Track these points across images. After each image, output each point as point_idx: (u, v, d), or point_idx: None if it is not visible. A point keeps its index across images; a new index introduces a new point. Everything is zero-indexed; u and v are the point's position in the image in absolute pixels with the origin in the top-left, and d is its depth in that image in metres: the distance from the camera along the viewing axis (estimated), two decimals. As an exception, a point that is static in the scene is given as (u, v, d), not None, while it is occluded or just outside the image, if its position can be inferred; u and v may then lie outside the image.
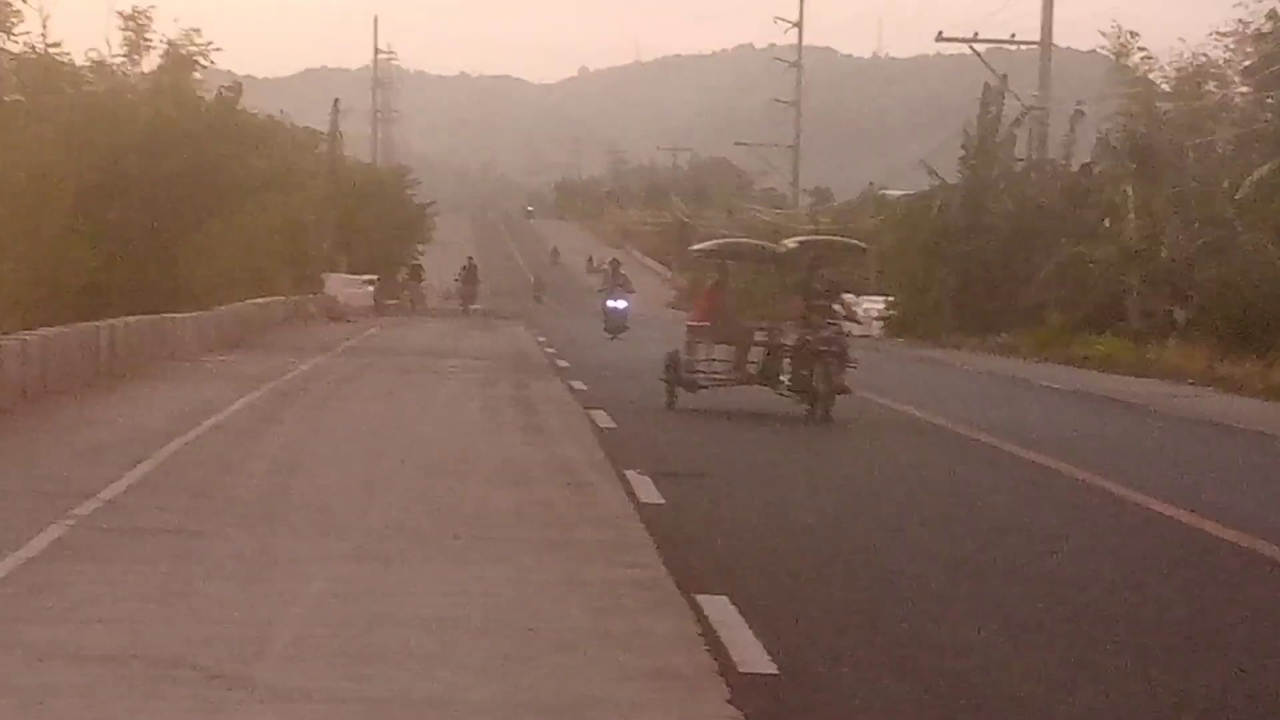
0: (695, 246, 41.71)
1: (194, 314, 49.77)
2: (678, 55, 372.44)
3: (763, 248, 39.53)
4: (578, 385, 42.44)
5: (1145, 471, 30.64)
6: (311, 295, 78.16)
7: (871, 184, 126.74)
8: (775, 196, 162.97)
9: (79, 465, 24.06)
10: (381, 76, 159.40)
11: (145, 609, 15.05)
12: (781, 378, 32.87)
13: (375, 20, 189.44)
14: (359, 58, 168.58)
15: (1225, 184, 69.57)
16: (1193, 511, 24.61)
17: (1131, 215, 70.65)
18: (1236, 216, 67.93)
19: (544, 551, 19.00)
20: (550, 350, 62.03)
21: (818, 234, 75.29)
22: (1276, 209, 67.67)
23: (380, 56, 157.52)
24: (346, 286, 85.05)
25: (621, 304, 51.29)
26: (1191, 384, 53.49)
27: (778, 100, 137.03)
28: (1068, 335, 67.41)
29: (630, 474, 25.64)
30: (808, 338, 30.74)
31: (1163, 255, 69.04)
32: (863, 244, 46.37)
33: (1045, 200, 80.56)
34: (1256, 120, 71.27)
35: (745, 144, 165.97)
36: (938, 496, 26.82)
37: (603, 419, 34.33)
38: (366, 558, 17.95)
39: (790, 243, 35.63)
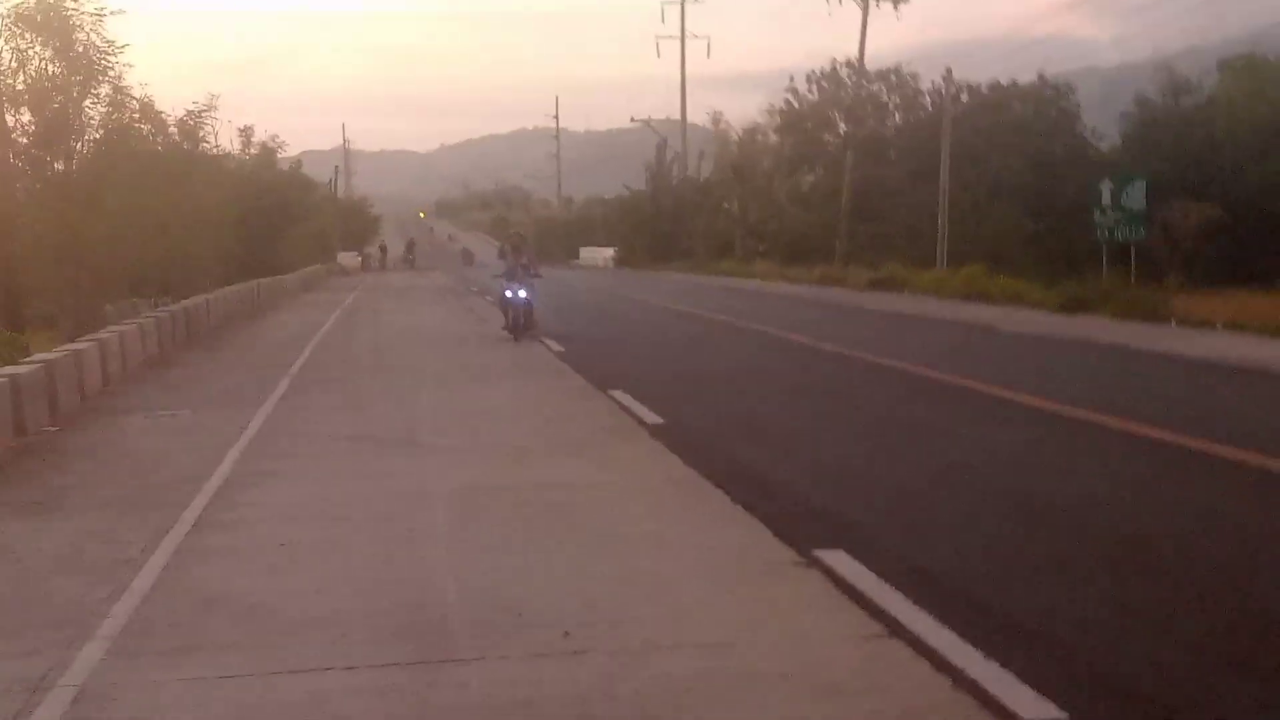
0: None
1: (289, 275, 49.57)
2: (493, 133, 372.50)
3: None
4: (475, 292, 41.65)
5: (755, 314, 29.32)
6: (331, 264, 77.00)
7: (596, 194, 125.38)
8: (547, 202, 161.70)
9: (276, 351, 23.62)
10: (348, 150, 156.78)
11: (345, 415, 15.18)
12: None
13: (343, 126, 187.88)
14: (331, 141, 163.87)
15: (775, 184, 70.82)
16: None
17: (736, 202, 71.53)
18: (784, 200, 69.04)
19: (514, 377, 18.77)
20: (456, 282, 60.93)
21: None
22: (799, 197, 68.98)
23: (347, 143, 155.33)
24: (347, 259, 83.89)
25: (522, 293, 25.20)
26: (772, 280, 53.13)
27: (551, 154, 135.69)
28: (709, 262, 67.65)
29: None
30: None
31: (750, 219, 70.03)
32: None
33: (689, 197, 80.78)
34: (781, 154, 71.97)
35: (532, 177, 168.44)
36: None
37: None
38: (441, 386, 17.81)
39: None
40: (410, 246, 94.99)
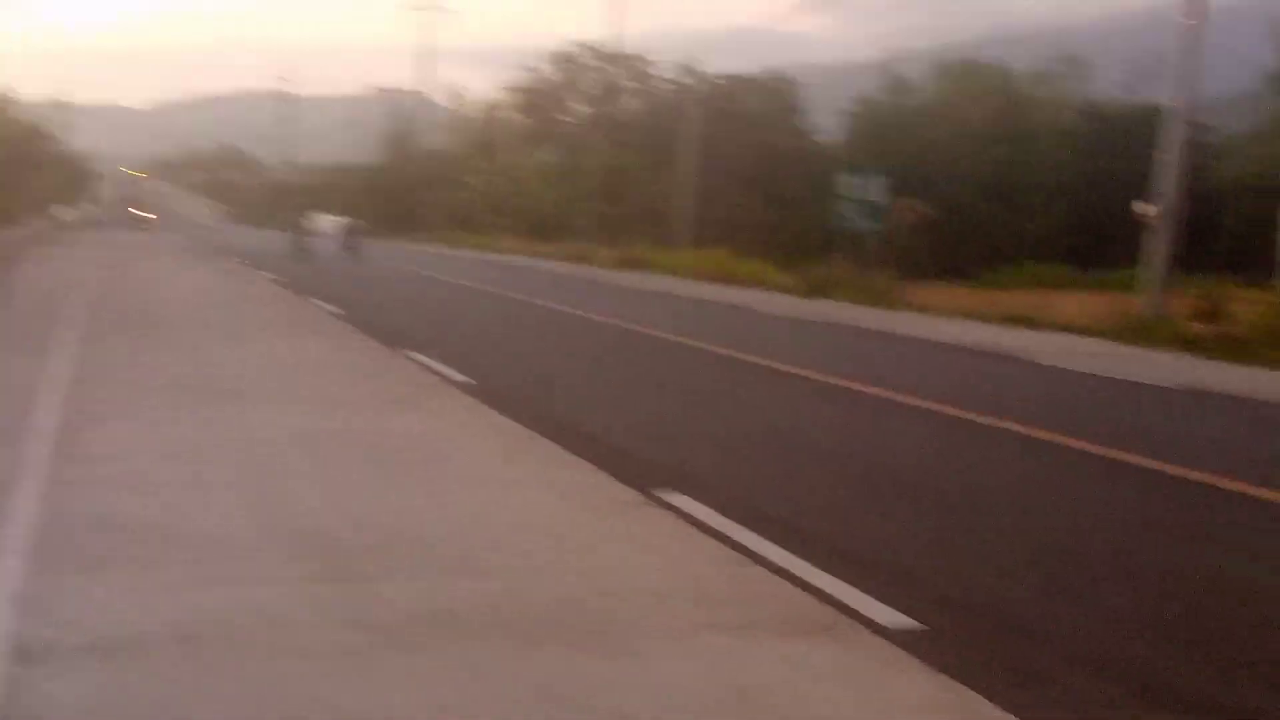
0: None
1: (18, 229, 47.19)
2: (216, 93, 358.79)
3: None
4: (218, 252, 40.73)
5: (520, 287, 29.97)
6: (51, 218, 73.74)
7: (325, 160, 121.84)
8: (271, 167, 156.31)
9: (45, 304, 22.66)
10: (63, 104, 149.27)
11: (148, 366, 14.72)
12: None
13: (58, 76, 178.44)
14: (41, 92, 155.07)
15: (518, 161, 70.64)
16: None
17: (480, 177, 71.04)
18: (529, 177, 69.15)
19: (304, 334, 18.61)
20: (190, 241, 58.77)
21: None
22: (541, 175, 69.03)
23: (66, 95, 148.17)
24: (63, 212, 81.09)
25: None
26: (522, 255, 52.64)
27: (278, 118, 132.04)
28: (448, 233, 67.28)
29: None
30: None
31: (493, 194, 69.71)
32: None
33: (430, 169, 79.67)
34: (520, 132, 71.80)
35: (261, 139, 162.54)
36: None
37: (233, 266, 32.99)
38: (232, 339, 17.46)
39: None
40: (124, 201, 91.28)
